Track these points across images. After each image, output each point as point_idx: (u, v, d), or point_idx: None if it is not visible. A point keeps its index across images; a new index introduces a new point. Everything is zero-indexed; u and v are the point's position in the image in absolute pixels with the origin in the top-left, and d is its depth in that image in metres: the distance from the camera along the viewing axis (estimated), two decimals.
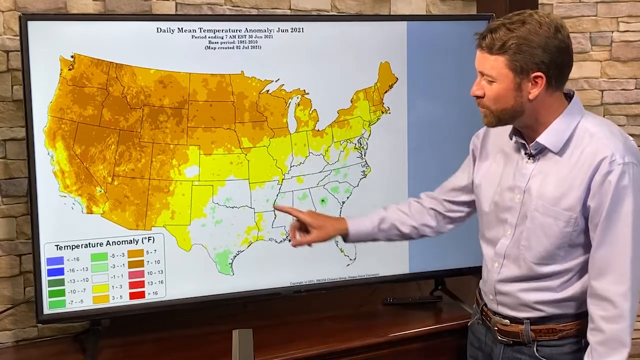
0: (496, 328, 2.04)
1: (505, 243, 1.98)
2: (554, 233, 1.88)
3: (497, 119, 1.89)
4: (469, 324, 2.21)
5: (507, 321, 2.01)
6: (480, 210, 2.09)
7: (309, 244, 2.15)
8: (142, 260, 2.32)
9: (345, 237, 2.20)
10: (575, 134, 1.88)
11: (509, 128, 1.99)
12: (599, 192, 1.82)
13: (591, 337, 1.87)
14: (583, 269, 1.91)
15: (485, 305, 2.09)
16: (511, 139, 1.98)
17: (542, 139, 1.89)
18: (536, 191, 1.90)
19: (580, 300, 1.93)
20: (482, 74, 1.87)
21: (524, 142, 1.94)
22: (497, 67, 1.82)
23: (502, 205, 1.99)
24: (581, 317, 1.94)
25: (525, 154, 1.94)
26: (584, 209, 1.86)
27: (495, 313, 2.05)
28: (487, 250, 2.07)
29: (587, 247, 1.89)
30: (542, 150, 1.91)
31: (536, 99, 1.84)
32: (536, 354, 1.97)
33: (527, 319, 1.97)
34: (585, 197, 1.84)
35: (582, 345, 1.93)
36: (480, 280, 2.13)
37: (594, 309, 1.86)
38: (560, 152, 1.88)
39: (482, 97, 1.88)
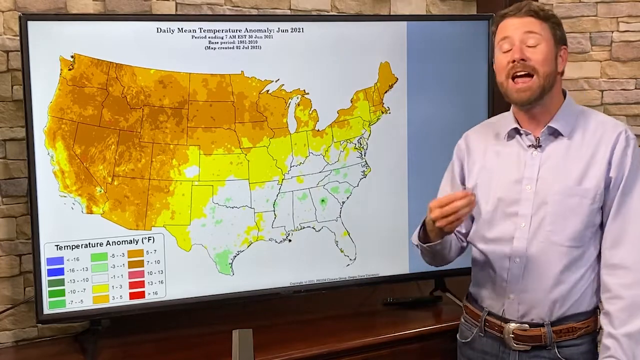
0: (512, 335, 1.98)
1: (524, 236, 1.96)
2: (583, 211, 1.92)
3: (542, 88, 1.93)
4: (463, 342, 2.14)
5: (526, 325, 1.97)
6: (478, 213, 2.05)
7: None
8: (142, 260, 2.32)
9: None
10: (579, 119, 1.97)
11: (487, 130, 2.08)
12: (621, 165, 1.91)
13: (610, 305, 1.87)
14: (596, 260, 1.96)
15: (489, 314, 2.05)
16: (511, 138, 2.02)
17: (554, 123, 1.96)
18: (552, 177, 1.94)
19: (592, 292, 1.97)
20: (527, 38, 1.92)
21: (529, 133, 1.98)
22: (545, 31, 1.94)
23: (508, 199, 1.99)
24: (593, 314, 1.99)
25: (529, 146, 1.98)
26: (607, 183, 1.92)
27: (507, 320, 2.00)
28: (494, 251, 2.02)
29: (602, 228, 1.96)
30: (550, 137, 1.97)
31: (560, 74, 1.96)
32: (558, 355, 1.95)
33: (549, 319, 1.96)
34: (607, 171, 1.91)
35: (595, 343, 1.97)
36: (480, 290, 2.09)
37: (610, 279, 1.89)
38: (570, 136, 1.96)
39: (525, 61, 1.91)
